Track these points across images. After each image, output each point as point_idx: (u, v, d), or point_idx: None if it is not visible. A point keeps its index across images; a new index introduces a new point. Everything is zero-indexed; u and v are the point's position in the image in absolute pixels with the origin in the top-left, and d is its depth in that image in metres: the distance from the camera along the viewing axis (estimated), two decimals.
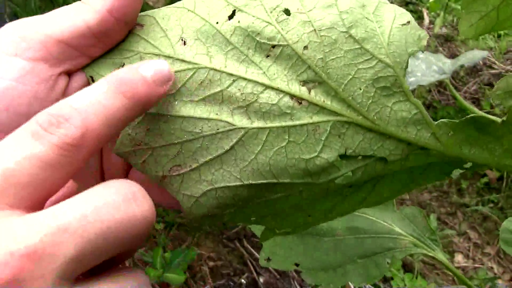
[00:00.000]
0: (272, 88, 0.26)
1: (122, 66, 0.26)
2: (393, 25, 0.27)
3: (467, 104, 0.98)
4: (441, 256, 0.61)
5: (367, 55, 0.26)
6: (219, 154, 0.26)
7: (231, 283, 1.12)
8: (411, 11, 2.14)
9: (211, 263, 1.16)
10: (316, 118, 0.26)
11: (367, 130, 0.27)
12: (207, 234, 1.21)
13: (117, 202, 0.19)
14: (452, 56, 2.07)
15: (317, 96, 0.26)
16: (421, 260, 1.42)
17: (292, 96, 0.26)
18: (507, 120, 0.28)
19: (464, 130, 0.29)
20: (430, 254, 0.60)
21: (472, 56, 1.34)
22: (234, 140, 0.26)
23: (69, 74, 0.26)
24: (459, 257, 1.56)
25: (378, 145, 0.28)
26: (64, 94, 0.26)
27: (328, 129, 0.27)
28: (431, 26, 2.23)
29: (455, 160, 0.31)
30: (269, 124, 0.26)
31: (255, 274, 1.15)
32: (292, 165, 0.27)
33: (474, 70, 1.97)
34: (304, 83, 0.26)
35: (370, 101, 0.26)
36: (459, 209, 1.65)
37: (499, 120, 0.28)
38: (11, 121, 0.24)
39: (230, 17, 0.26)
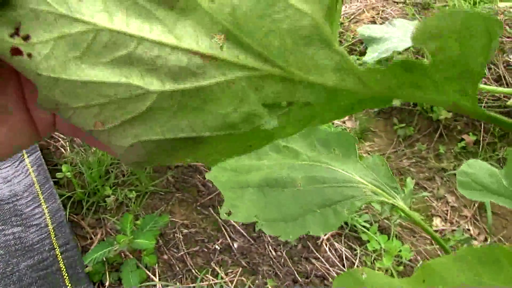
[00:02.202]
0: (181, 49, 0.24)
1: (19, 25, 0.24)
2: None
3: None
4: (400, 203, 0.60)
5: (282, 3, 0.24)
6: (138, 114, 0.26)
7: (205, 250, 1.12)
8: None
9: (184, 231, 1.15)
10: (230, 75, 0.25)
11: (286, 81, 0.26)
12: (181, 201, 1.20)
13: None
14: None
15: (230, 51, 0.25)
16: (398, 224, 1.43)
17: (203, 54, 0.24)
18: (433, 62, 0.26)
19: (393, 74, 0.27)
20: (390, 201, 0.60)
21: None
22: (149, 103, 0.25)
23: None
24: (437, 221, 1.58)
25: (300, 93, 0.26)
26: None
27: (244, 84, 0.25)
28: None
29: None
30: (181, 86, 0.25)
31: (229, 240, 1.14)
32: (210, 120, 0.26)
33: None
34: (215, 38, 0.24)
35: (288, 52, 0.25)
36: (437, 174, 1.66)
37: (426, 62, 0.26)
38: None
39: None
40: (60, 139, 1.42)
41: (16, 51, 0.24)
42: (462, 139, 1.65)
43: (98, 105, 0.25)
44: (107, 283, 1.01)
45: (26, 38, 0.24)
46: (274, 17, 0.24)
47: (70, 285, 0.97)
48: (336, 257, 1.21)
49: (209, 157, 0.32)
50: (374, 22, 2.04)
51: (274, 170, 0.64)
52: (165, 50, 0.24)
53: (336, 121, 1.88)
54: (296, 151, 0.70)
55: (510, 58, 1.68)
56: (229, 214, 0.64)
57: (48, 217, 1.13)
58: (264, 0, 0.24)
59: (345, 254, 1.23)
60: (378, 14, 2.10)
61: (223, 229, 1.16)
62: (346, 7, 2.23)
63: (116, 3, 0.24)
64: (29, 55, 0.24)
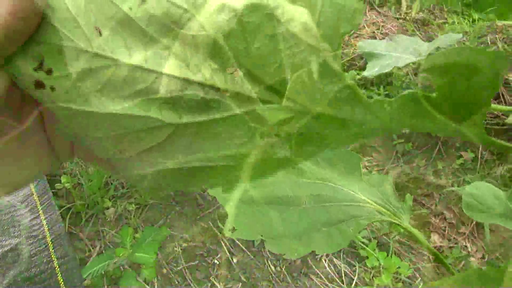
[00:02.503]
0: (197, 83, 0.25)
1: (43, 59, 0.24)
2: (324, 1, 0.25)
3: None
4: (406, 223, 0.60)
5: (294, 39, 0.24)
6: (155, 144, 0.27)
7: (204, 264, 1.11)
8: None
9: (184, 244, 1.14)
10: (244, 108, 0.26)
11: (298, 113, 0.27)
12: (180, 215, 1.19)
13: None
14: (429, 39, 2.08)
15: (244, 85, 0.25)
16: (397, 241, 1.43)
17: (218, 88, 0.25)
18: (441, 96, 0.27)
19: (401, 106, 0.28)
20: (395, 221, 0.60)
21: (447, 39, 1.35)
22: (166, 134, 0.26)
23: None
24: (435, 237, 1.58)
25: (312, 124, 0.27)
26: None
27: (258, 117, 0.26)
28: (409, 11, 2.23)
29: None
30: (198, 118, 0.26)
31: (228, 254, 1.13)
32: (224, 150, 0.27)
33: None
34: (229, 73, 0.25)
35: (300, 86, 0.26)
36: (435, 190, 1.66)
37: (434, 95, 0.27)
38: None
39: (143, 1, 0.24)
40: None
41: (39, 84, 0.24)
42: (461, 156, 1.65)
43: (117, 136, 0.26)
44: None
45: (49, 71, 0.24)
46: (286, 52, 0.25)
47: None
48: (335, 273, 1.21)
49: (223, 184, 0.32)
50: (374, 37, 2.06)
51: (278, 187, 0.64)
52: (182, 84, 0.25)
53: None
54: (300, 169, 0.70)
55: (508, 77, 1.70)
56: (233, 231, 0.64)
57: (46, 229, 1.12)
58: (277, 36, 0.24)
59: (344, 270, 1.22)
60: (378, 29, 2.12)
61: (222, 243, 1.15)
62: None
63: (134, 39, 0.24)
64: (52, 88, 0.24)
